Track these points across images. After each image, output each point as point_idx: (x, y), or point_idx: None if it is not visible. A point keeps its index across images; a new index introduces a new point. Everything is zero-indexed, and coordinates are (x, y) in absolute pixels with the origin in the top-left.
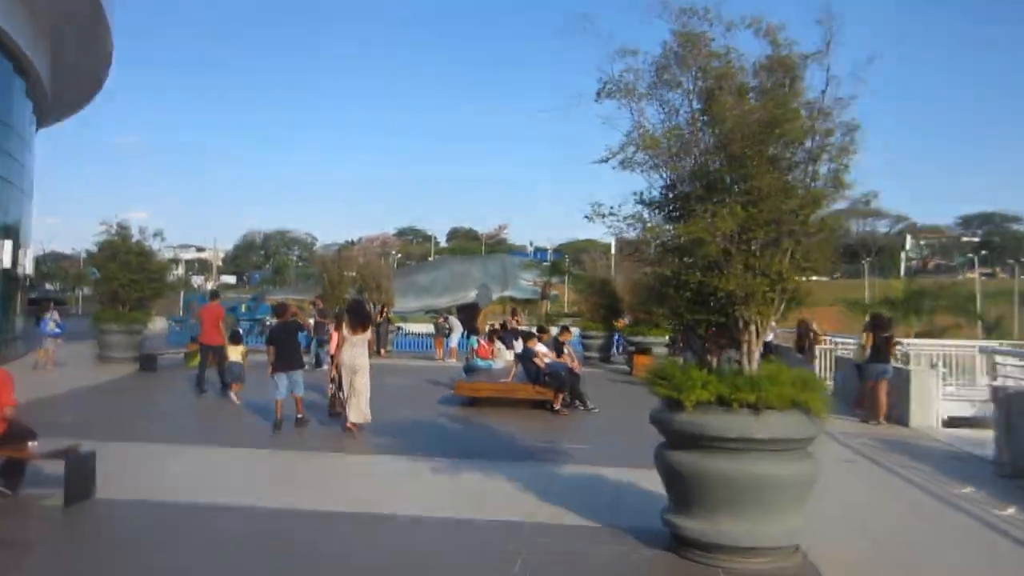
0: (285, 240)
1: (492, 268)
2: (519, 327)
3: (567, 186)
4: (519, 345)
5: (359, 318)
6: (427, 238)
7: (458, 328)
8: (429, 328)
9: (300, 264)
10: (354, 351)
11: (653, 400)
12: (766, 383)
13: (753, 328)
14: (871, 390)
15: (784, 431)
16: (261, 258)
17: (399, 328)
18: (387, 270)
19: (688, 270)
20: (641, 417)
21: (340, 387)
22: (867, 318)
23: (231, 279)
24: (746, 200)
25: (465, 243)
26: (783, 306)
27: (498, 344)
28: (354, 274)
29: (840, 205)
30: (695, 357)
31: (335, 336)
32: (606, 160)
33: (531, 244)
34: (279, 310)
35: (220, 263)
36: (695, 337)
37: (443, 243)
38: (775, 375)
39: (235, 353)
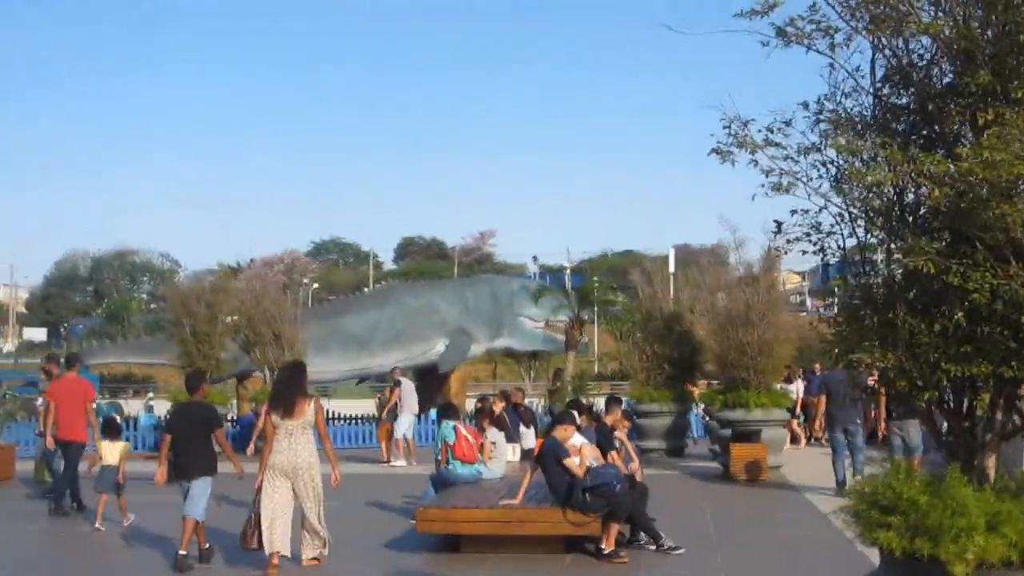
0: (127, 267)
1: (475, 300)
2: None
3: (591, 161)
4: (530, 436)
5: (289, 392)
6: (362, 257)
7: (412, 404)
8: (369, 407)
9: (152, 306)
10: (290, 444)
11: (789, 526)
12: None
13: None
14: None
15: None
16: (89, 296)
17: None
18: (293, 310)
19: (961, 263)
20: (775, 560)
21: (258, 505)
22: None
23: (39, 332)
24: None
25: (425, 263)
26: None
27: (492, 434)
28: (235, 318)
29: None
30: (947, 454)
31: (261, 424)
32: (763, 12)
33: (535, 261)
34: (191, 381)
35: (23, 307)
36: (952, 414)
37: (389, 263)
38: None
39: (112, 453)
